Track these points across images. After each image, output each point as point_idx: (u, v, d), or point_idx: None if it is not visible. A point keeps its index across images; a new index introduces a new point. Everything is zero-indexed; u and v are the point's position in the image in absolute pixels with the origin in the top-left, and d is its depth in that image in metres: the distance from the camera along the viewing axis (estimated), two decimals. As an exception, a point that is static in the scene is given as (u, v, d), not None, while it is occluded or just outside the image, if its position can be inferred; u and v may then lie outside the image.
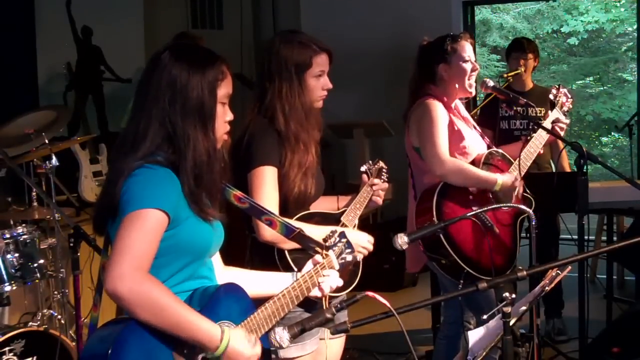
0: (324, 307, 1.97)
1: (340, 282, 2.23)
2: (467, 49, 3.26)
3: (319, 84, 2.58)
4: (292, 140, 2.52)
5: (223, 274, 2.16)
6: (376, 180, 2.77)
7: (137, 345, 1.80)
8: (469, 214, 2.75)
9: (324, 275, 2.19)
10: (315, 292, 2.20)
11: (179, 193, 1.91)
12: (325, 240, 2.26)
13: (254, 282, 2.20)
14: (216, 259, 2.17)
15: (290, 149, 2.52)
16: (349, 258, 2.31)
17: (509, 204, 3.10)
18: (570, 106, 3.49)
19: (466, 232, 3.09)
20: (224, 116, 2.02)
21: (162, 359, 1.84)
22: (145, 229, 1.81)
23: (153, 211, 1.83)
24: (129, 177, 1.87)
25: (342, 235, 2.30)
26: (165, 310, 1.79)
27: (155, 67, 1.96)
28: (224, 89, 2.00)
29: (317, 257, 2.22)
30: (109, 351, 1.75)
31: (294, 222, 2.33)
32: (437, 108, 3.20)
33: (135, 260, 1.78)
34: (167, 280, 1.92)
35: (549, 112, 3.48)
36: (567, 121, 3.45)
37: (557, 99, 3.47)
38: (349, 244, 2.31)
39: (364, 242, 2.60)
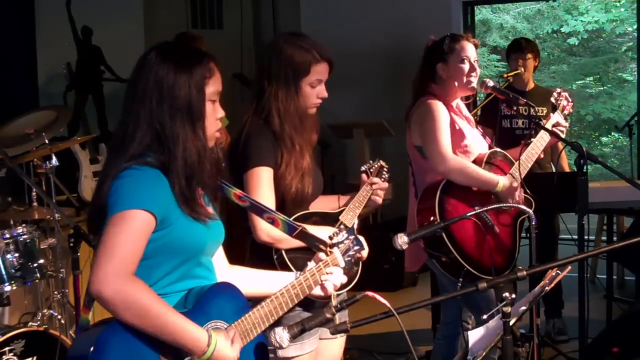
0: (332, 305, 1.95)
1: (344, 279, 2.22)
2: (466, 49, 3.26)
3: (314, 92, 2.56)
4: (287, 142, 2.51)
5: (226, 273, 2.16)
6: (376, 179, 2.76)
7: (120, 346, 1.79)
8: (469, 214, 2.74)
9: (327, 273, 2.17)
10: (317, 291, 2.18)
11: (168, 193, 1.90)
12: (331, 237, 2.24)
13: (258, 280, 2.19)
14: (219, 258, 2.16)
15: (287, 150, 2.51)
16: (358, 255, 2.29)
17: (509, 204, 3.10)
18: (571, 110, 3.51)
19: (467, 230, 3.09)
20: (214, 114, 2.01)
21: (148, 358, 1.83)
22: (130, 230, 1.80)
23: (138, 212, 1.82)
24: (116, 179, 1.86)
25: (350, 231, 2.27)
26: (150, 313, 1.78)
27: (142, 67, 1.95)
28: (213, 87, 1.99)
29: (321, 255, 2.20)
30: (90, 350, 1.75)
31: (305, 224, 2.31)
32: (438, 107, 3.20)
33: (120, 263, 1.77)
34: (160, 281, 1.92)
35: (551, 114, 3.49)
36: (567, 124, 3.46)
37: (558, 102, 3.49)
38: (357, 241, 2.28)
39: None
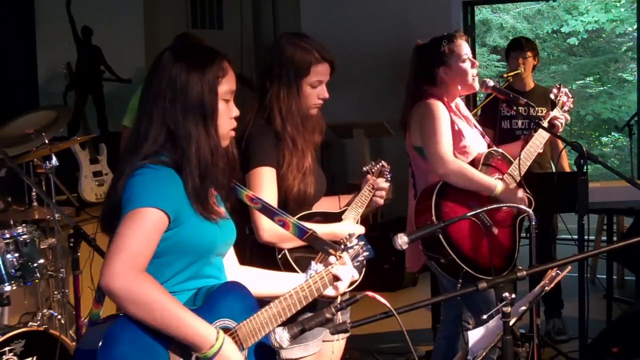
0: (334, 305, 1.96)
1: (356, 275, 2.23)
2: (463, 47, 3.26)
3: (314, 92, 2.57)
4: (289, 143, 2.52)
5: (237, 273, 2.16)
6: (378, 180, 2.76)
7: (129, 340, 1.80)
8: (468, 214, 2.74)
9: (336, 277, 2.17)
10: (329, 291, 2.18)
11: (181, 193, 1.92)
12: (341, 242, 2.24)
13: (268, 281, 2.20)
14: (230, 258, 2.17)
15: (289, 151, 2.52)
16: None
17: (508, 204, 3.10)
18: (572, 106, 3.49)
19: (465, 232, 3.09)
20: (228, 113, 2.02)
21: (157, 353, 1.84)
22: (142, 227, 1.82)
23: (152, 210, 1.84)
24: (130, 177, 1.88)
25: (361, 238, 2.29)
26: (158, 308, 1.79)
27: (156, 67, 1.98)
28: (226, 86, 2.00)
29: (331, 259, 2.20)
30: (99, 344, 1.76)
31: (306, 223, 2.32)
32: (439, 107, 3.20)
33: (130, 258, 1.79)
34: (170, 279, 1.93)
35: (550, 111, 3.48)
36: (568, 117, 3.44)
37: (558, 98, 3.47)
38: (367, 247, 2.30)
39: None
